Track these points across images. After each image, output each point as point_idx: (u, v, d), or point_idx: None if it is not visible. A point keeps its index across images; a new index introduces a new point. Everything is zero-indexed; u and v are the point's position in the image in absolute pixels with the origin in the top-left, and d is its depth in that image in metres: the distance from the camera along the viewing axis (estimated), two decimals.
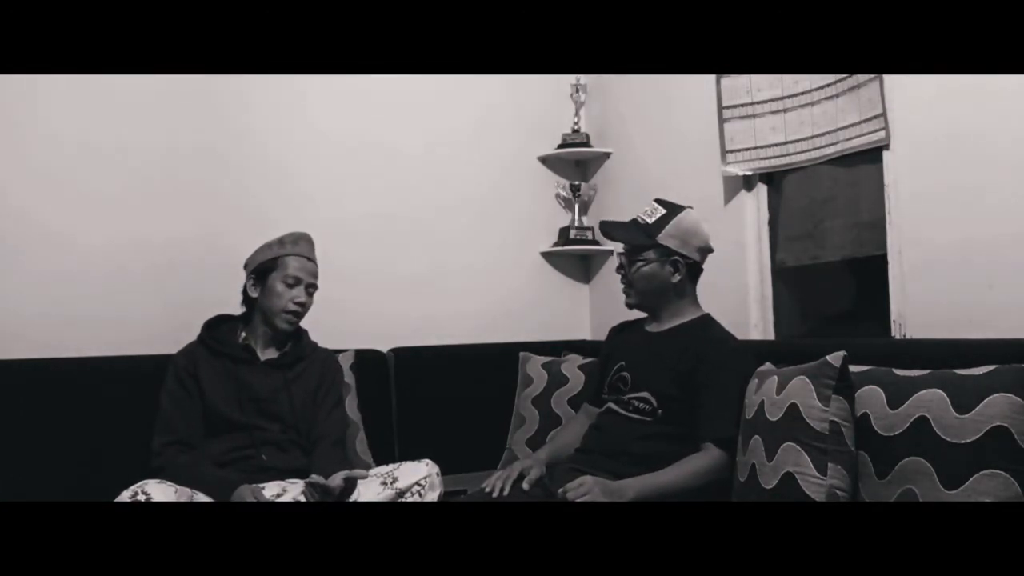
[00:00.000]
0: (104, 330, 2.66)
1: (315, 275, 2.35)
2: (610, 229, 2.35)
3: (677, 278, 2.24)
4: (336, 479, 2.02)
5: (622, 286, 2.32)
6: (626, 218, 2.38)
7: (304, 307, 2.33)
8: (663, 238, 2.23)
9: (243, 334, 2.34)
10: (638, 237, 2.26)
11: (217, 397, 2.25)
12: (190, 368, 2.28)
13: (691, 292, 2.30)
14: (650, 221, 2.25)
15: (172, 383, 2.28)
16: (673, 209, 2.26)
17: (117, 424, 2.41)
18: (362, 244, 3.05)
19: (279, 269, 2.30)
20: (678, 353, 2.19)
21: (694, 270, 2.28)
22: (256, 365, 2.30)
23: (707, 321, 2.29)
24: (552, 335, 3.26)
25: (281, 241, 2.34)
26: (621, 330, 2.47)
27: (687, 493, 2.01)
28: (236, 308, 2.40)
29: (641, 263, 2.25)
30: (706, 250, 2.29)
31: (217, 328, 2.36)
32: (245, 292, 2.34)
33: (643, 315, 2.37)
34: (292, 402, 2.29)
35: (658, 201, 2.29)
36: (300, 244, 2.35)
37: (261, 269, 2.31)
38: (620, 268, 2.31)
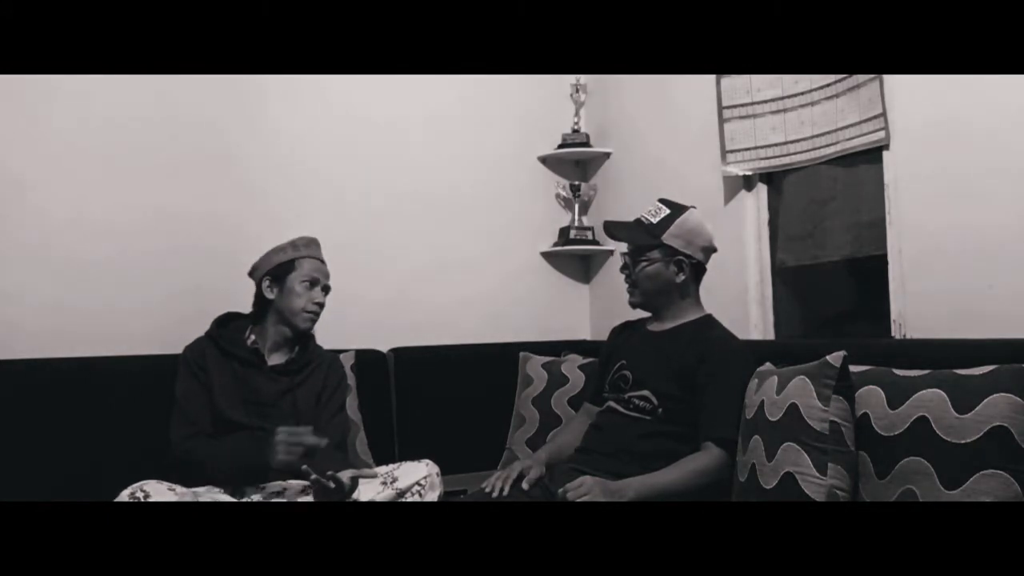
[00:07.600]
0: (107, 325, 2.66)
1: (328, 276, 2.38)
2: (614, 229, 2.35)
3: (681, 278, 2.25)
4: (345, 476, 2.02)
5: (626, 285, 2.32)
6: (626, 218, 2.38)
7: (322, 307, 2.35)
8: (667, 238, 2.23)
9: (252, 336, 2.34)
10: (642, 237, 2.26)
11: (222, 397, 2.25)
12: (200, 362, 2.29)
13: (694, 292, 2.30)
14: (654, 221, 2.25)
15: (185, 377, 2.28)
16: (677, 209, 2.26)
17: (117, 424, 2.42)
18: (362, 244, 3.05)
19: (297, 271, 2.32)
20: (679, 352, 2.19)
21: (698, 270, 2.29)
22: (263, 370, 2.30)
23: (709, 321, 2.29)
24: (552, 335, 3.26)
25: (294, 244, 2.35)
26: (623, 329, 2.47)
27: (687, 493, 2.01)
28: (234, 304, 2.40)
29: (645, 263, 2.26)
30: (710, 250, 2.29)
31: (226, 326, 2.36)
32: (258, 295, 2.35)
33: (645, 315, 2.37)
34: (296, 406, 2.29)
35: (662, 201, 2.29)
36: (311, 247, 2.38)
37: (278, 272, 2.32)
38: (624, 268, 2.31)
